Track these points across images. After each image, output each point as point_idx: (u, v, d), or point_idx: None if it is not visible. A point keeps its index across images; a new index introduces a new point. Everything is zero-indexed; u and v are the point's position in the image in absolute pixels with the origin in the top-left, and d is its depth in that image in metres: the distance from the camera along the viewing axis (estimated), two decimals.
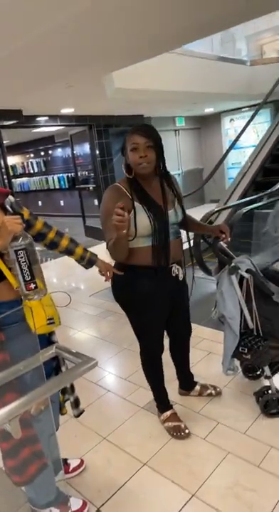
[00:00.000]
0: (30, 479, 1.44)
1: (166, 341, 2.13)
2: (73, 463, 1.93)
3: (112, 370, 2.82)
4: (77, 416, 1.70)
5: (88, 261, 1.85)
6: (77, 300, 4.40)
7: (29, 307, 1.41)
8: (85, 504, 1.70)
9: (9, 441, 1.38)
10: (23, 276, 1.31)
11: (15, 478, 1.45)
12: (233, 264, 2.02)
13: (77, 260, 1.85)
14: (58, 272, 5.69)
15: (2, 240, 1.26)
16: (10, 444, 1.39)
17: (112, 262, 1.92)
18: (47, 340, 1.52)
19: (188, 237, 1.98)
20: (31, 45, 2.92)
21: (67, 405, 1.71)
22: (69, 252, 1.81)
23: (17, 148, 11.85)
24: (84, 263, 1.85)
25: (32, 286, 1.34)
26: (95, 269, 1.91)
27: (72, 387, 1.68)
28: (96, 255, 1.88)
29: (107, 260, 1.90)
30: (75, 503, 1.70)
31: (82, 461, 1.95)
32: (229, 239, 2.04)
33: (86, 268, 1.89)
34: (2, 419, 0.96)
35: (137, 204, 1.76)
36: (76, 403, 1.68)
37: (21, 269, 1.32)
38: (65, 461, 1.90)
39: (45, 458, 1.46)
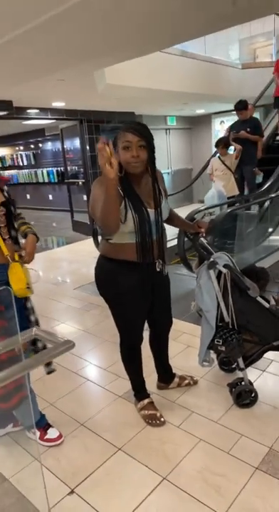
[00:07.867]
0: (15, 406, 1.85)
1: (146, 333, 2.19)
2: (52, 434, 2.06)
3: (93, 360, 2.87)
4: (49, 373, 1.97)
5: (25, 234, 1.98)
6: (61, 293, 4.44)
7: (14, 271, 1.75)
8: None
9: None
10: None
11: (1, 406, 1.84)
12: (211, 259, 2.09)
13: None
14: (44, 265, 5.70)
15: None
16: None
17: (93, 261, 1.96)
18: (23, 306, 1.86)
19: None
20: (25, 37, 2.93)
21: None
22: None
23: (6, 140, 11.74)
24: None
25: None
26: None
27: (44, 346, 1.83)
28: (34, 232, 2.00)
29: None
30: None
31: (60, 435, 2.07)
32: (205, 234, 2.11)
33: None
34: None
35: (126, 200, 1.80)
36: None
37: None
38: (48, 425, 2.09)
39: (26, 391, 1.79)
